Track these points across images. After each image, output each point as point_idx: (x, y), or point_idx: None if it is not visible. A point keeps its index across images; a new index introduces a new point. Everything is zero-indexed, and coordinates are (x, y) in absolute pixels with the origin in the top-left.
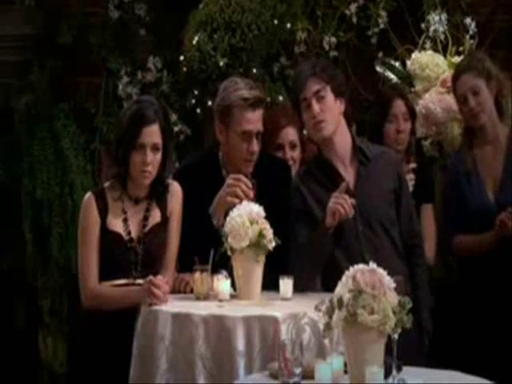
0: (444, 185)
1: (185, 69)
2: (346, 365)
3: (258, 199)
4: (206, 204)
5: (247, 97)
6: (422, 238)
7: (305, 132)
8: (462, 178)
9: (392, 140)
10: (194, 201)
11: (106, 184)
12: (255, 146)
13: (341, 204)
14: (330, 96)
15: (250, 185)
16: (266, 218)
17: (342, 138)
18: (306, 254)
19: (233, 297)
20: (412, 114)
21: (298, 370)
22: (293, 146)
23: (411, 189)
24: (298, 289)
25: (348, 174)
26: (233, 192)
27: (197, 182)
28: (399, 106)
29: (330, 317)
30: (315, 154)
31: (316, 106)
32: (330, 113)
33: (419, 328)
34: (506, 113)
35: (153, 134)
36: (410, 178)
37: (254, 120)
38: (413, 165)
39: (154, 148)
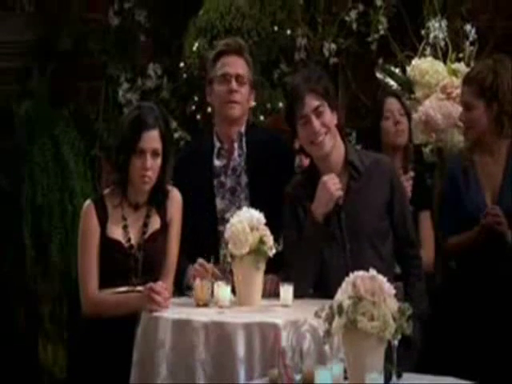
0: (443, 189)
1: (185, 75)
2: (346, 371)
3: (250, 175)
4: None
5: (222, 43)
6: (419, 249)
7: None
8: (461, 184)
9: (392, 134)
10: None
11: (106, 191)
12: (234, 86)
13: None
14: (327, 110)
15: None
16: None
17: (336, 151)
18: (300, 258)
19: (233, 303)
20: (406, 112)
21: (298, 377)
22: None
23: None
24: (297, 294)
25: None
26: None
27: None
28: (392, 103)
29: (330, 323)
30: (308, 164)
31: (316, 122)
32: (329, 127)
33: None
34: (505, 128)
35: (153, 139)
36: (408, 185)
37: (231, 63)
38: (411, 173)
39: (154, 153)
